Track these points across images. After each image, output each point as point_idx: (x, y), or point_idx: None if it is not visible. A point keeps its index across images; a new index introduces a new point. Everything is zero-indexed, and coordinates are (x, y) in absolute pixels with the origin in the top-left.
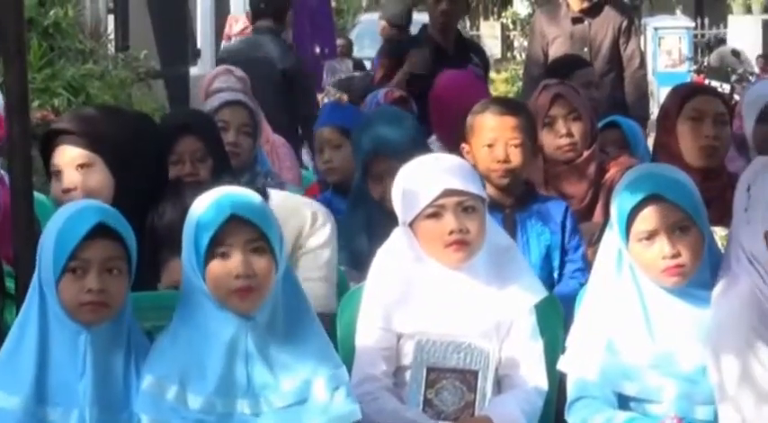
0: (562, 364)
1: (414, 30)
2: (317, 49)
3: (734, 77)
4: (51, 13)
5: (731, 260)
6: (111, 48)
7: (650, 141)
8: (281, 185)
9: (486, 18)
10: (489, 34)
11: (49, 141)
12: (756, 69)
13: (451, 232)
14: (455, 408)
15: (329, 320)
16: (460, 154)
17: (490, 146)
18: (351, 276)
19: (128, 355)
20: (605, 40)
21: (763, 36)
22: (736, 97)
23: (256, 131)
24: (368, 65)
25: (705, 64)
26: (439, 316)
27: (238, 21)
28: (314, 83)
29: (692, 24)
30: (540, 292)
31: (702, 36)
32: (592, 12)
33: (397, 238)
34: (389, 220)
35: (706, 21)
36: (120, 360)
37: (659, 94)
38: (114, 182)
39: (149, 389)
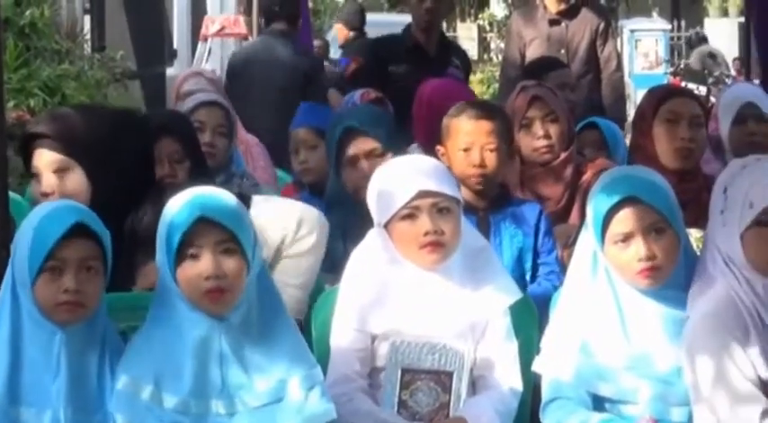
0: (537, 366)
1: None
2: None
3: (710, 80)
4: (27, 13)
5: (707, 262)
6: (88, 48)
7: (627, 143)
8: (255, 186)
9: (463, 20)
10: (466, 36)
11: (29, 142)
12: (733, 72)
13: (426, 233)
14: (430, 409)
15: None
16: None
17: (466, 150)
18: (325, 279)
19: (102, 356)
20: (582, 42)
21: (739, 38)
22: (713, 99)
23: (232, 132)
24: None
25: (681, 66)
26: (414, 317)
27: (215, 21)
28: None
29: (669, 27)
30: (514, 294)
31: (679, 38)
32: (569, 14)
33: (372, 240)
34: (364, 221)
35: (683, 23)
36: (94, 360)
37: (636, 97)
38: (92, 184)
39: (124, 389)
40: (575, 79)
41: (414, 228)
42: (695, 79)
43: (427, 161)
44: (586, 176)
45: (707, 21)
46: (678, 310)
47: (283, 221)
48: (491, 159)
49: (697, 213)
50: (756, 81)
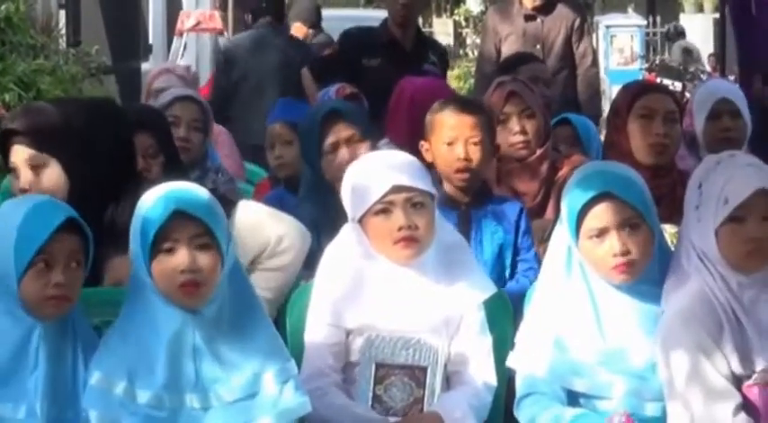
0: (511, 361)
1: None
2: None
3: (687, 76)
4: (3, 7)
5: (681, 258)
6: (63, 43)
7: (602, 139)
8: (231, 181)
9: (439, 15)
10: (442, 31)
11: (6, 138)
12: (708, 68)
13: (400, 228)
14: (404, 404)
15: None
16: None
17: (450, 144)
18: (301, 274)
19: (75, 350)
20: (558, 37)
21: (714, 34)
22: (688, 95)
23: (207, 126)
24: None
25: (657, 62)
26: (388, 312)
27: (190, 16)
28: None
29: (644, 22)
30: (488, 289)
31: (654, 34)
32: (544, 9)
33: (346, 235)
34: (339, 216)
35: (658, 19)
36: (69, 355)
37: (611, 92)
38: (69, 178)
39: (97, 384)
40: (550, 75)
41: (388, 223)
42: (670, 75)
43: (401, 156)
44: (562, 172)
45: (682, 16)
46: (652, 306)
47: (265, 233)
48: (475, 153)
49: (671, 209)
50: (731, 77)
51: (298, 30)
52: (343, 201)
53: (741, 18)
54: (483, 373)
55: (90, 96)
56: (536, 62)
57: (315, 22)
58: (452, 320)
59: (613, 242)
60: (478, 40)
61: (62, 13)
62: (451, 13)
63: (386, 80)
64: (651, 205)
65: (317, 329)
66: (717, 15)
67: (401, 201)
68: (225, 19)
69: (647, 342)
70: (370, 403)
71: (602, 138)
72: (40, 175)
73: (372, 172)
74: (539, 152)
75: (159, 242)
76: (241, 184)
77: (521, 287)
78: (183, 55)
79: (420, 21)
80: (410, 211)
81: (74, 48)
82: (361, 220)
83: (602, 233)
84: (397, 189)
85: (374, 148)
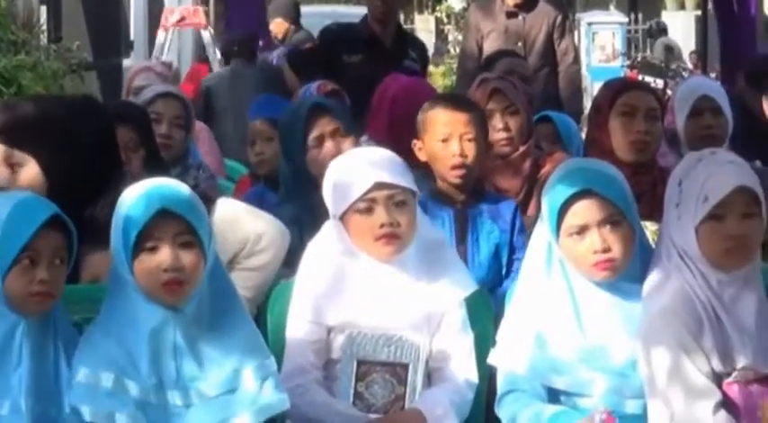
0: (492, 358)
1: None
2: None
3: (669, 73)
4: None
5: (662, 255)
6: (44, 39)
7: (583, 136)
8: (212, 178)
9: (421, 12)
10: (424, 28)
11: None
12: (689, 65)
13: (382, 226)
14: (385, 401)
15: None
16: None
17: (444, 141)
18: (282, 272)
19: (57, 347)
20: (539, 34)
21: (696, 32)
22: (670, 92)
23: (189, 124)
24: None
25: (639, 59)
26: (369, 309)
27: (174, 12)
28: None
29: (626, 20)
30: (469, 286)
31: (636, 31)
32: (526, 6)
33: (328, 232)
34: (320, 213)
35: (640, 16)
36: (51, 351)
37: (593, 89)
38: (47, 175)
39: (85, 380)
40: (528, 70)
41: (369, 220)
42: (652, 72)
43: (383, 153)
44: (545, 170)
45: (664, 14)
46: (633, 303)
47: (244, 230)
48: (470, 149)
49: (652, 206)
50: (713, 74)
51: (278, 26)
52: (325, 197)
53: (724, 15)
54: (464, 371)
55: (70, 95)
56: (514, 57)
57: (295, 18)
58: (434, 317)
59: (594, 239)
60: (460, 37)
61: (43, 8)
62: (433, 10)
63: (366, 77)
64: (632, 202)
65: (298, 326)
66: (698, 12)
67: (383, 198)
68: (207, 14)
69: (627, 339)
70: (351, 400)
71: (584, 135)
72: (18, 173)
73: (354, 169)
74: (522, 149)
75: (142, 240)
76: (221, 180)
77: None
78: (168, 50)
79: (401, 17)
80: (392, 209)
81: (55, 44)
82: (342, 217)
83: (582, 230)
84: (379, 186)
85: (357, 144)
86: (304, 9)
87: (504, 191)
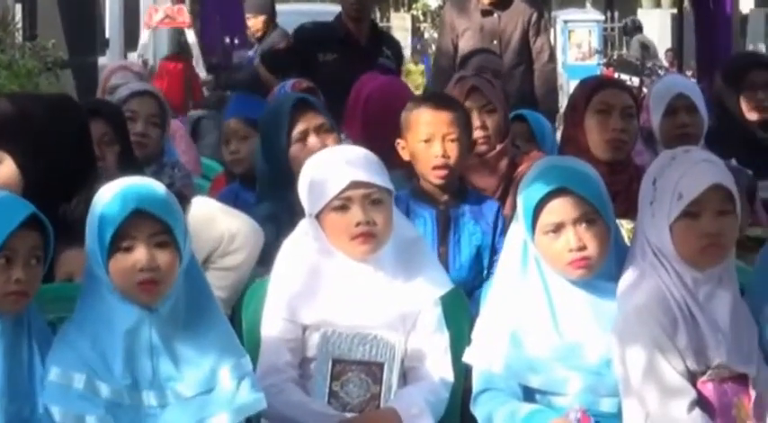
0: (468, 357)
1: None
2: (227, 40)
3: (646, 71)
4: None
5: (637, 253)
6: (19, 37)
7: (559, 134)
8: (187, 176)
9: (397, 10)
10: (400, 26)
11: None
12: (665, 63)
13: (358, 224)
14: (360, 400)
15: None
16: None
17: (427, 141)
18: (257, 270)
19: (31, 346)
20: (515, 32)
21: (672, 29)
22: (646, 90)
23: (164, 122)
24: None
25: (615, 57)
26: (345, 308)
27: (158, 11)
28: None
29: (602, 17)
30: (445, 285)
31: (612, 29)
32: (501, 4)
33: (303, 230)
34: (297, 211)
35: (616, 14)
36: (25, 350)
37: (569, 87)
38: (23, 174)
39: (57, 380)
40: (502, 67)
41: (345, 218)
42: (628, 70)
43: (359, 151)
44: (521, 169)
45: (640, 11)
46: (608, 301)
47: (219, 229)
48: (453, 150)
49: (628, 204)
50: (689, 72)
51: (255, 24)
52: (300, 196)
53: (700, 13)
54: (440, 369)
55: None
56: (487, 54)
57: (271, 16)
58: (409, 316)
59: (569, 237)
60: (436, 35)
61: (18, 7)
62: (409, 8)
63: (341, 75)
64: (607, 200)
65: (273, 325)
66: (674, 10)
67: (359, 197)
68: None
69: (602, 338)
70: (326, 399)
71: (560, 133)
72: None
73: (330, 167)
74: (498, 148)
75: (117, 240)
76: (197, 179)
77: None
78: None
79: (378, 15)
80: (368, 208)
81: (30, 42)
82: (318, 216)
83: (558, 228)
84: (355, 185)
85: (340, 141)
86: (280, 7)
87: (481, 190)
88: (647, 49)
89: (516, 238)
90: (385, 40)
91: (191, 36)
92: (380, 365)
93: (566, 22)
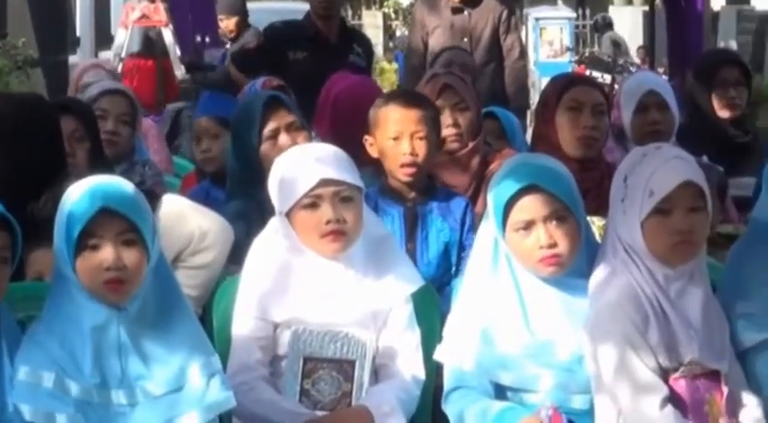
0: (439, 354)
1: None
2: (198, 38)
3: (617, 68)
4: None
5: (608, 250)
6: None
7: (530, 132)
8: (158, 175)
9: (369, 7)
10: (371, 24)
11: None
12: (637, 60)
13: (328, 222)
14: (332, 398)
15: None
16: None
17: (395, 139)
18: (229, 269)
19: (0, 345)
20: (485, 30)
21: (643, 27)
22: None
23: (135, 120)
24: None
25: (587, 54)
26: (316, 306)
27: (134, 9)
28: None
29: (574, 15)
30: (416, 282)
31: (584, 27)
32: (472, 2)
33: (274, 228)
34: (267, 209)
35: (587, 11)
36: None
37: (541, 85)
38: None
39: (26, 379)
40: (471, 63)
41: (315, 216)
42: (600, 67)
43: (329, 149)
44: (493, 166)
45: (612, 9)
46: (579, 298)
47: (189, 227)
48: (421, 148)
49: (599, 201)
50: (660, 69)
51: (228, 25)
52: (270, 193)
53: (672, 10)
54: (411, 367)
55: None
56: (456, 50)
57: (244, 17)
58: (380, 314)
59: (540, 234)
60: (408, 33)
61: None
62: (381, 6)
63: (311, 73)
64: (578, 198)
65: (244, 323)
66: (646, 8)
67: (329, 194)
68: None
69: (573, 335)
70: (297, 397)
71: (531, 130)
72: None
73: (300, 165)
74: (470, 146)
75: (84, 238)
76: (169, 177)
77: None
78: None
79: (350, 13)
80: (338, 205)
81: (0, 40)
82: (288, 214)
83: (528, 225)
84: (324, 182)
85: (310, 139)
86: (251, 5)
87: (453, 187)
88: (618, 46)
89: (487, 235)
90: (355, 37)
91: (167, 35)
92: (352, 363)
93: (537, 19)
